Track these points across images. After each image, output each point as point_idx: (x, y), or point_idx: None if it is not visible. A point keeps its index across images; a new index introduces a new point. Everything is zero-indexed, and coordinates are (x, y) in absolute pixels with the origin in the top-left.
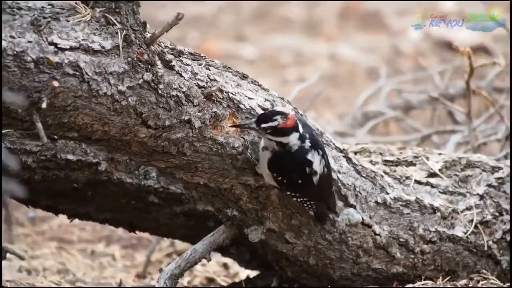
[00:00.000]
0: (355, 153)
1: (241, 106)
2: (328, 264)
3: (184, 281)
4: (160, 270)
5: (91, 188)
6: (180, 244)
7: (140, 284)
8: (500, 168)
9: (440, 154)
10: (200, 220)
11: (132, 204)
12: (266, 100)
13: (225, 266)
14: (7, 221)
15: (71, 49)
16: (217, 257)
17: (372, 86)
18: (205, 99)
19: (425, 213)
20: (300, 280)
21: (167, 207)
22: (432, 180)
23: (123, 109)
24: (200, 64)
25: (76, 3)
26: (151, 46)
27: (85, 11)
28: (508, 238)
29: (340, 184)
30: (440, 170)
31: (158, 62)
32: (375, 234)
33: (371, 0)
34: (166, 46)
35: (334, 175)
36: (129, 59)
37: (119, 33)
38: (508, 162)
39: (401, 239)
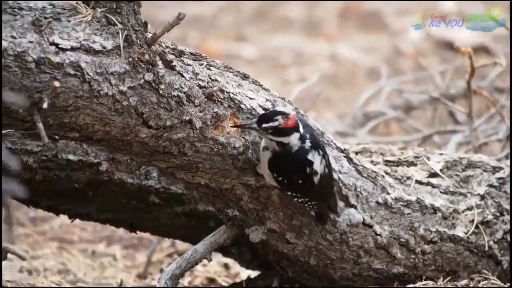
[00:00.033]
0: (356, 153)
1: (242, 106)
2: (329, 264)
3: (185, 281)
4: (161, 270)
5: (92, 188)
6: (181, 244)
7: (141, 284)
8: (501, 168)
9: (441, 154)
10: (201, 220)
11: (133, 204)
12: (267, 100)
13: (226, 266)
14: (8, 221)
15: (72, 49)
16: (218, 257)
17: (373, 86)
18: (206, 99)
19: (426, 213)
20: (301, 281)
21: (168, 207)
22: (433, 180)
23: (124, 109)
24: (201, 64)
25: (77, 3)
26: (152, 46)
27: (86, 11)
28: (509, 238)
29: (341, 184)
30: (441, 170)
31: (159, 62)
32: (376, 234)
33: (371, 0)
34: (167, 46)
35: (335, 175)
36: (130, 59)
37: (120, 33)
38: (509, 162)
39: (402, 239)
